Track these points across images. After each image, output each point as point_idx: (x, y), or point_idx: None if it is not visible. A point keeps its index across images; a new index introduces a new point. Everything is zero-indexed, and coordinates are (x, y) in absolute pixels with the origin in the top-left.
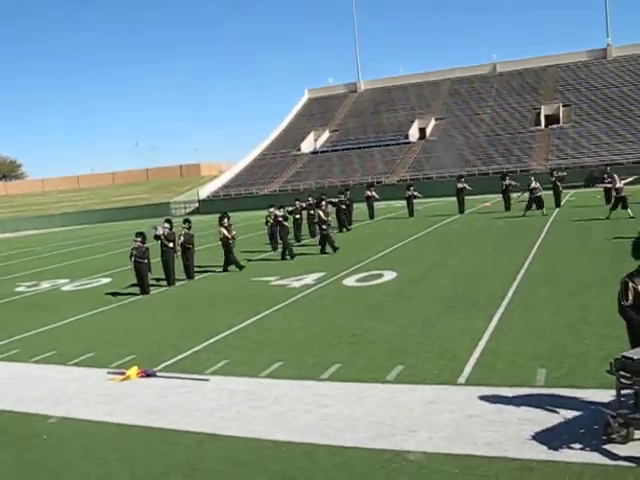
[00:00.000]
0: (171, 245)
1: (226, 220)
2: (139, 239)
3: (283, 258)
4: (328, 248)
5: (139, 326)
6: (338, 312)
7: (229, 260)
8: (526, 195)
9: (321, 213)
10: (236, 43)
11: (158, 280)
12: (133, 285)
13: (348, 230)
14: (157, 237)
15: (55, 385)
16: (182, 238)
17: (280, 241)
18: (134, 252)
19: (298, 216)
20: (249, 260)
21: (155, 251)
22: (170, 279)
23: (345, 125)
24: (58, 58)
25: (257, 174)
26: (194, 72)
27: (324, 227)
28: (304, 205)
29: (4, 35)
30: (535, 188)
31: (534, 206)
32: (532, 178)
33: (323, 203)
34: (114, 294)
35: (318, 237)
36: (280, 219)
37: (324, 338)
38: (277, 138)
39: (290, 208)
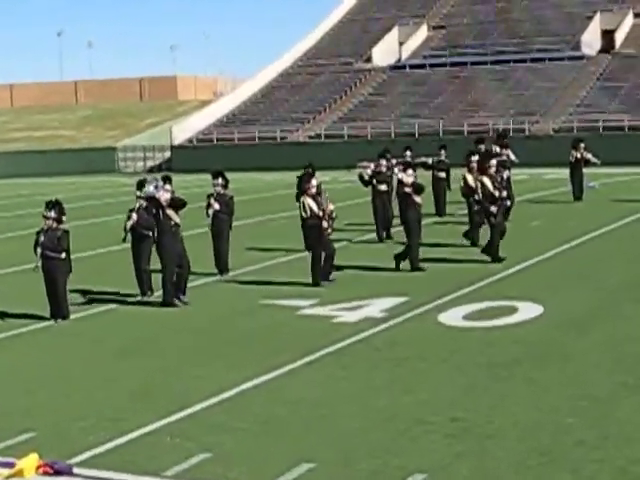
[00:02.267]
0: (177, 220)
1: (314, 182)
2: (52, 215)
3: (414, 268)
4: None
5: (46, 379)
6: (427, 375)
7: (318, 261)
8: None
9: (487, 181)
10: None
11: (92, 297)
12: (39, 301)
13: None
14: (149, 204)
15: None
16: (134, 217)
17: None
18: (43, 238)
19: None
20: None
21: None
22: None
23: (458, 19)
24: None
25: (285, 104)
26: None
27: (492, 209)
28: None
29: None
30: None
31: None
32: None
33: (492, 162)
34: (1, 315)
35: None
36: (408, 190)
37: (396, 422)
38: (325, 38)
39: (424, 159)
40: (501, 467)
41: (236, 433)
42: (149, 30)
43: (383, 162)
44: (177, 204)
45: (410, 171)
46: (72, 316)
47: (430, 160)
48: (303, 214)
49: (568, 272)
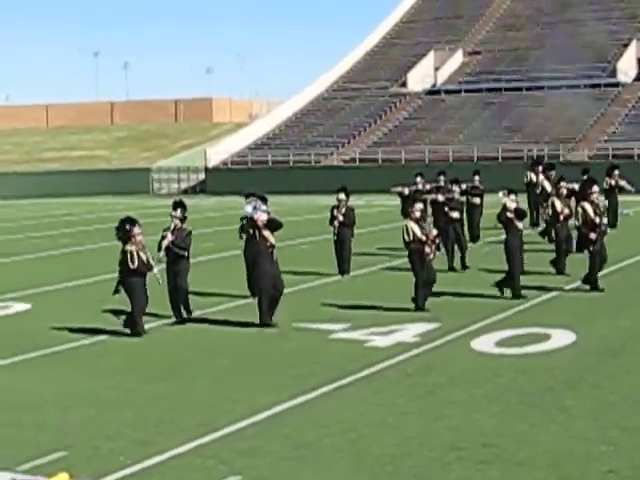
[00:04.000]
0: (273, 241)
1: (418, 206)
2: (178, 214)
3: (515, 296)
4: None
5: (78, 398)
6: (459, 401)
7: (422, 285)
8: None
9: (589, 208)
10: None
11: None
12: (73, 320)
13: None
14: (245, 225)
15: None
16: (169, 237)
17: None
18: (170, 236)
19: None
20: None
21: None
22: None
23: (493, 45)
24: None
25: (320, 127)
26: None
27: (592, 236)
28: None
29: None
30: None
31: None
32: None
33: (595, 188)
34: (35, 333)
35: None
36: (511, 215)
37: (429, 449)
38: (361, 62)
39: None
40: None
41: (267, 457)
42: (185, 52)
43: (455, 188)
44: (274, 225)
45: (513, 196)
46: (105, 336)
47: (464, 186)
48: (406, 238)
49: (602, 300)
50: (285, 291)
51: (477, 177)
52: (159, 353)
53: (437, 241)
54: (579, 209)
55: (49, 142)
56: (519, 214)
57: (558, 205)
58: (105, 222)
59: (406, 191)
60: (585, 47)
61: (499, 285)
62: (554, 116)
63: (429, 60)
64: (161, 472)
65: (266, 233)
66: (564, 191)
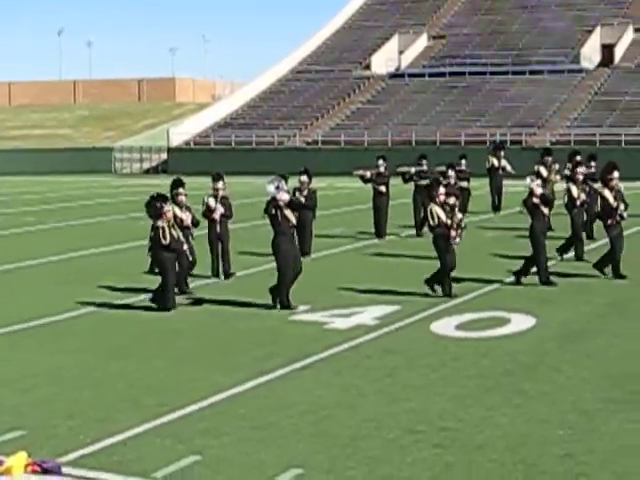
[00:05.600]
0: (294, 221)
1: (442, 190)
2: (220, 185)
3: (543, 282)
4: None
5: (37, 377)
6: (417, 384)
7: (447, 270)
8: None
9: (609, 194)
10: None
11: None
12: (33, 300)
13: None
14: (269, 204)
15: None
16: (220, 206)
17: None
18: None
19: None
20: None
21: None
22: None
23: (458, 29)
24: None
25: (282, 109)
26: None
27: (609, 222)
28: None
29: None
30: None
31: None
32: None
33: (615, 174)
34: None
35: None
36: (537, 200)
37: (386, 431)
38: (325, 45)
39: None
40: (489, 479)
41: (225, 437)
42: (149, 32)
43: (451, 173)
44: (295, 205)
45: (539, 181)
46: (67, 314)
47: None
48: (431, 222)
49: (562, 285)
50: (245, 272)
51: (464, 161)
52: (120, 331)
53: (462, 225)
54: (598, 195)
55: (12, 120)
56: (545, 200)
57: (574, 191)
58: (69, 201)
59: (368, 174)
60: (549, 33)
61: (517, 274)
62: (517, 101)
63: (393, 43)
64: (120, 451)
65: (288, 213)
66: (580, 177)
